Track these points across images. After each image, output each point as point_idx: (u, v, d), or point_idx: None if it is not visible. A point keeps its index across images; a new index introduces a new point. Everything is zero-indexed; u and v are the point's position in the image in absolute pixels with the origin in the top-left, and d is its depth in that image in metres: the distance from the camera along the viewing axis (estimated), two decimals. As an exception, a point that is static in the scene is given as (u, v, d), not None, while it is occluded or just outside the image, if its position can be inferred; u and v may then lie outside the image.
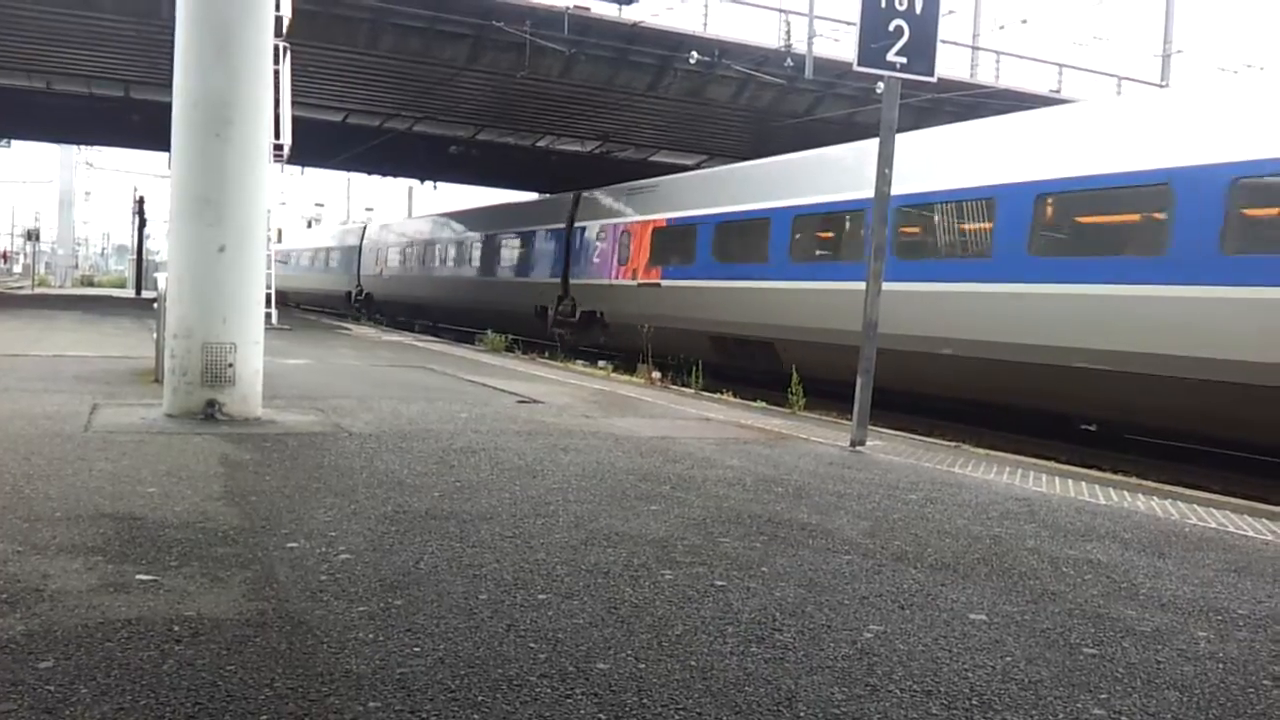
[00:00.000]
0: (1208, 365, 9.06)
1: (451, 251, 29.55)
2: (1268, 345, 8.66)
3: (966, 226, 11.85)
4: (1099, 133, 10.67)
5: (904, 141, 11.00)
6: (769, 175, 16.50)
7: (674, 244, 18.37)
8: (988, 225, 11.47)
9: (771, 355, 14.82)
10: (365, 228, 40.40)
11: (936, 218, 12.37)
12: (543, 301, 23.06)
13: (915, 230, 12.85)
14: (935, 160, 12.69)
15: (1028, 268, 10.87)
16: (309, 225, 68.98)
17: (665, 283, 18.43)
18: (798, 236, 15.01)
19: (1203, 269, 9.22)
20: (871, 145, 12.06)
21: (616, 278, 20.18)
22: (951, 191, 12.08)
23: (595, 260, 21.13)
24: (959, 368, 11.66)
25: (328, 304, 41.08)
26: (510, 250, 25.68)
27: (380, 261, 36.10)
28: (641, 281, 19.24)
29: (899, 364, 11.30)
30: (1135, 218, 10.27)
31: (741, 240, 16.30)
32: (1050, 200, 10.84)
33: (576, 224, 22.26)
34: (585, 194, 22.89)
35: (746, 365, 15.26)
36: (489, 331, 20.59)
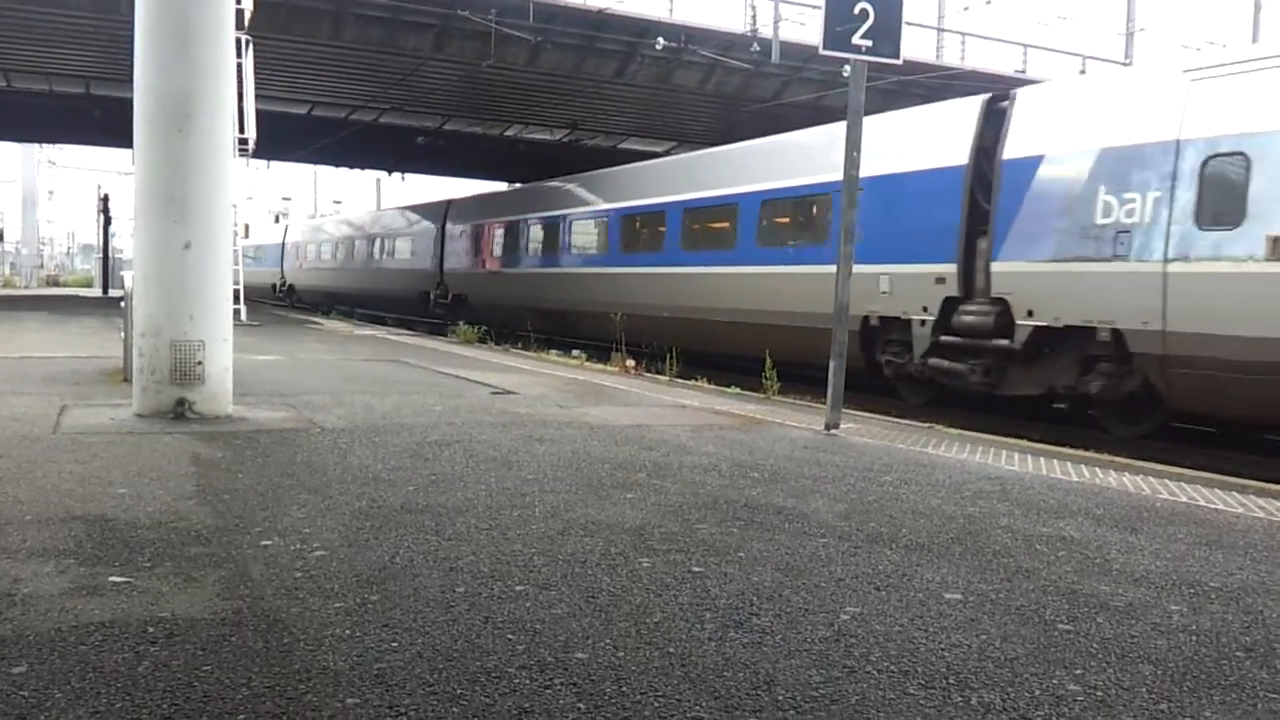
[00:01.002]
0: (759, 314, 15.01)
1: (356, 248, 35.39)
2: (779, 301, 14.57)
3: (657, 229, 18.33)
4: (713, 169, 17.04)
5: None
6: (564, 189, 22.45)
7: (509, 240, 24.08)
8: (662, 229, 18.07)
9: (568, 321, 20.11)
10: (287, 228, 47.65)
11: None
12: (425, 287, 28.46)
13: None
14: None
15: (682, 258, 17.36)
16: (276, 219, 68.99)
17: (504, 270, 24.36)
18: (571, 237, 21.23)
19: (750, 255, 15.54)
20: (619, 171, 20.88)
21: (474, 268, 26.10)
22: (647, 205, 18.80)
23: (460, 254, 26.94)
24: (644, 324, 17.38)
25: (254, 294, 45.10)
26: (400, 245, 31.41)
27: (300, 256, 42.39)
28: (489, 270, 25.27)
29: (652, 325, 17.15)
30: (725, 225, 16.27)
31: (545, 239, 22.30)
32: (690, 211, 17.34)
33: (448, 224, 27.78)
34: (454, 200, 28.62)
35: (557, 330, 21.07)
36: (461, 323, 20.94)
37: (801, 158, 14.80)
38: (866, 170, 10.83)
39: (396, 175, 45.97)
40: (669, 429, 7.72)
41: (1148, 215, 9.68)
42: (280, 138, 29.82)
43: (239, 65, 15.77)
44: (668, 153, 30.69)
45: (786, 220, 15.19)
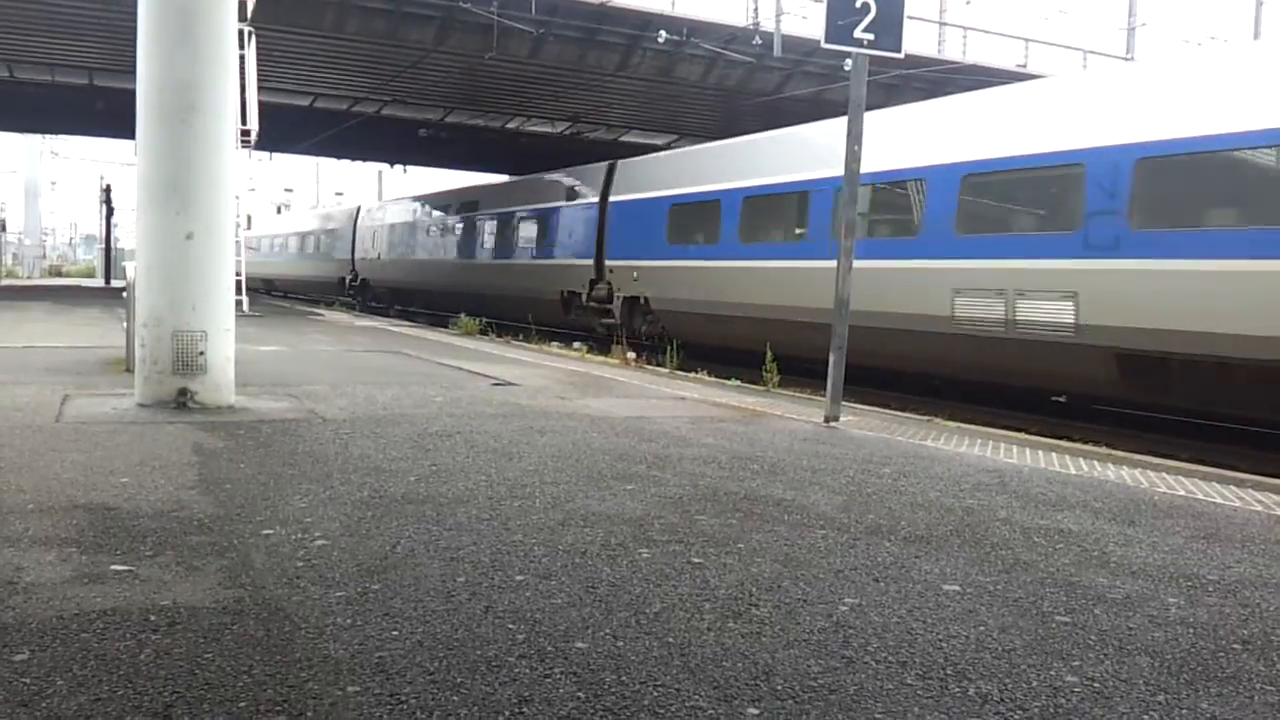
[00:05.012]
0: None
1: (279, 244, 45.04)
2: None
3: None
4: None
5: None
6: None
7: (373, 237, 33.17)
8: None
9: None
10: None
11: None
12: (342, 273, 36.31)
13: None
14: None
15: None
16: (279, 211, 69.21)
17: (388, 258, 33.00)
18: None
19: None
20: (409, 201, 32.68)
21: (370, 257, 34.44)
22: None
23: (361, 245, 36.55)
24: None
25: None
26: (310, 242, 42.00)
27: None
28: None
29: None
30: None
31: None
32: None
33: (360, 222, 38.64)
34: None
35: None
36: (463, 315, 20.89)
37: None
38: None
39: (399, 167, 45.86)
40: (669, 421, 7.74)
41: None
42: (283, 129, 29.82)
43: (241, 57, 15.78)
44: (667, 146, 30.64)
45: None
